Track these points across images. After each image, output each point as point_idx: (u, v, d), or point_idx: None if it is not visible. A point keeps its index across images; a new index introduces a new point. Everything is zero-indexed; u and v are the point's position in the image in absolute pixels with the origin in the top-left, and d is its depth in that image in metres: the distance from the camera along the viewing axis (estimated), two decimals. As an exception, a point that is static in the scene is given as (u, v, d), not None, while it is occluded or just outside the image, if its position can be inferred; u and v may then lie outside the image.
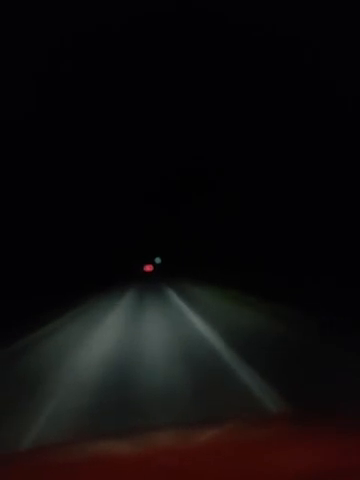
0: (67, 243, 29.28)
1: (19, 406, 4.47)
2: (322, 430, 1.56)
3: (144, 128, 39.42)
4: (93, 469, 1.37)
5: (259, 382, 4.61)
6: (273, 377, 4.74)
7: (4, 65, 18.29)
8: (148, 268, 65.63)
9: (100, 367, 5.83)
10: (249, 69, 18.54)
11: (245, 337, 7.31)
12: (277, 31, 15.65)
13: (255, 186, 21.20)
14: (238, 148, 22.43)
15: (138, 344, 7.27)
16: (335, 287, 9.50)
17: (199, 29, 20.21)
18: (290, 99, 16.07)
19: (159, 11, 19.28)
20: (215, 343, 6.85)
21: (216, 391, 4.48)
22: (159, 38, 23.72)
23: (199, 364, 5.67)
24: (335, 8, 13.26)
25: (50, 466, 1.46)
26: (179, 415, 3.85)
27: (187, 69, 23.83)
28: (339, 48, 13.82)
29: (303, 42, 14.82)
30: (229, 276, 18.47)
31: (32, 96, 22.33)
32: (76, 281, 23.89)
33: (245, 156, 21.76)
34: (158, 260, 65.70)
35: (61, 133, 28.78)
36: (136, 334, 8.27)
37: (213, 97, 24.62)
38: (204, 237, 34.04)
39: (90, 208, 40.23)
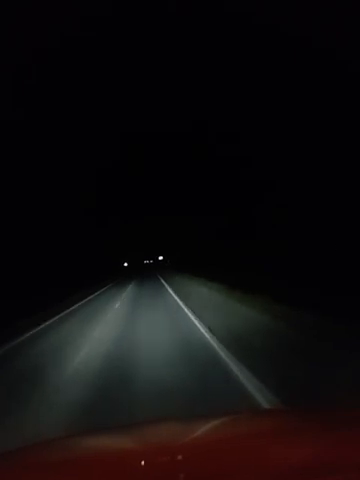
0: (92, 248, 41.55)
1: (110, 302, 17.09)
2: (315, 424, 1.57)
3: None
4: (92, 463, 1.39)
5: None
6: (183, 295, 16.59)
7: None
8: (147, 261, 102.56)
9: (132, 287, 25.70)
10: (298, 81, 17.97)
11: (179, 289, 19.85)
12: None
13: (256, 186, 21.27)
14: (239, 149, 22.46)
15: (142, 284, 27.22)
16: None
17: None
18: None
19: (160, 11, 19.21)
20: (167, 287, 22.11)
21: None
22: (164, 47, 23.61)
23: (156, 285, 25.31)
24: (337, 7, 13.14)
25: (51, 461, 1.47)
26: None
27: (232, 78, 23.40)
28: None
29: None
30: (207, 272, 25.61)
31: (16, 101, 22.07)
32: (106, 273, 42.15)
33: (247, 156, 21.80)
34: (160, 257, 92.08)
35: (62, 134, 28.77)
36: (141, 283, 28.63)
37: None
38: (201, 240, 35.83)
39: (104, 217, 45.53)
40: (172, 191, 51.78)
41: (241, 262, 22.13)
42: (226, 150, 27.12)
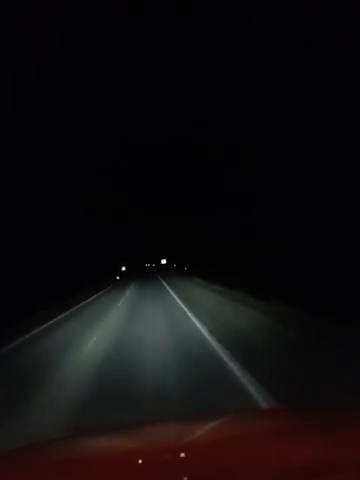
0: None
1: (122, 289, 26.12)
2: (315, 424, 1.58)
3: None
4: (92, 463, 1.38)
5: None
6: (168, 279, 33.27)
7: None
8: (148, 264, 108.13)
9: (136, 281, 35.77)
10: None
11: (175, 281, 31.08)
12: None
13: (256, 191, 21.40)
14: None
15: (144, 280, 35.80)
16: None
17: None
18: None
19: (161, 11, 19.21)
20: (162, 281, 31.80)
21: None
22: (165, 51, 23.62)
23: (153, 280, 36.53)
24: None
25: (51, 461, 1.47)
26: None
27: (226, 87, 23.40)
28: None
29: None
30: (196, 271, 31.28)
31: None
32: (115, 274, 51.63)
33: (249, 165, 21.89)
34: (164, 261, 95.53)
35: (61, 134, 28.79)
36: (142, 280, 37.28)
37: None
38: (202, 241, 37.53)
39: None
40: (172, 191, 51.83)
41: (242, 263, 22.20)
42: (226, 150, 27.14)
